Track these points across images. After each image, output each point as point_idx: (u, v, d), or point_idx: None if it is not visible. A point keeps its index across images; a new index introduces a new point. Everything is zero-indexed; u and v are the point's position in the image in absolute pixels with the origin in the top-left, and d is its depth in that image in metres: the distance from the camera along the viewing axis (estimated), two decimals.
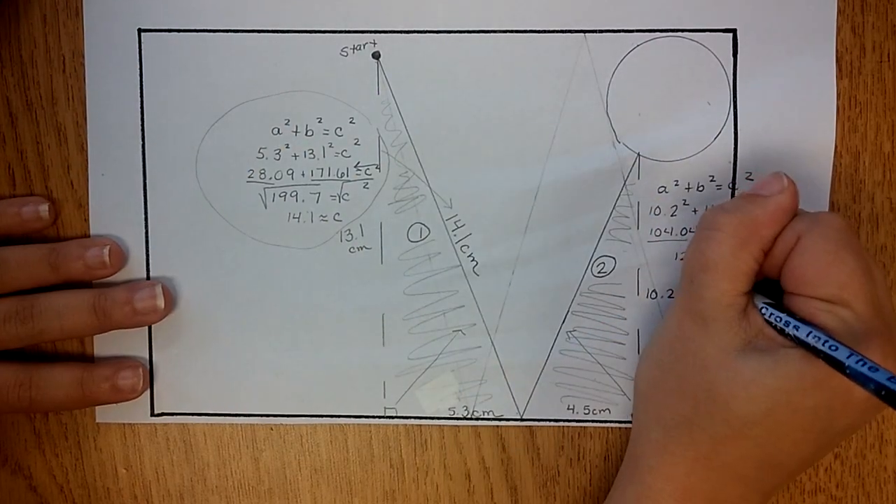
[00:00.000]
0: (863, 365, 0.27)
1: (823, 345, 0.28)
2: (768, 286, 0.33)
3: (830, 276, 0.30)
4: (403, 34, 0.37)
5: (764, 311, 0.31)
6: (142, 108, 0.37)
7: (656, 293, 0.37)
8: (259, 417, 0.38)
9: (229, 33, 0.37)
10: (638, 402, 0.35)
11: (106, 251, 0.37)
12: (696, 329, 0.32)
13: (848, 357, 0.27)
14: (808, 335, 0.29)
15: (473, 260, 0.37)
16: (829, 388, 0.29)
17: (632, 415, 0.36)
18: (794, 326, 0.30)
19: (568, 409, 0.38)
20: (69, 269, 0.36)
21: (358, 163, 0.37)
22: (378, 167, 0.37)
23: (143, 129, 0.37)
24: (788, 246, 0.31)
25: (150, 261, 0.38)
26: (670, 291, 0.37)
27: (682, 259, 0.37)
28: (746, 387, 0.30)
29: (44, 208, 0.37)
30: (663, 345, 0.33)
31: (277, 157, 0.37)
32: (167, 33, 0.37)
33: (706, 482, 0.32)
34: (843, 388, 0.29)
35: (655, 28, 0.36)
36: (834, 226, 0.31)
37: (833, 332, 0.30)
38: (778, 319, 0.30)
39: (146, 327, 0.38)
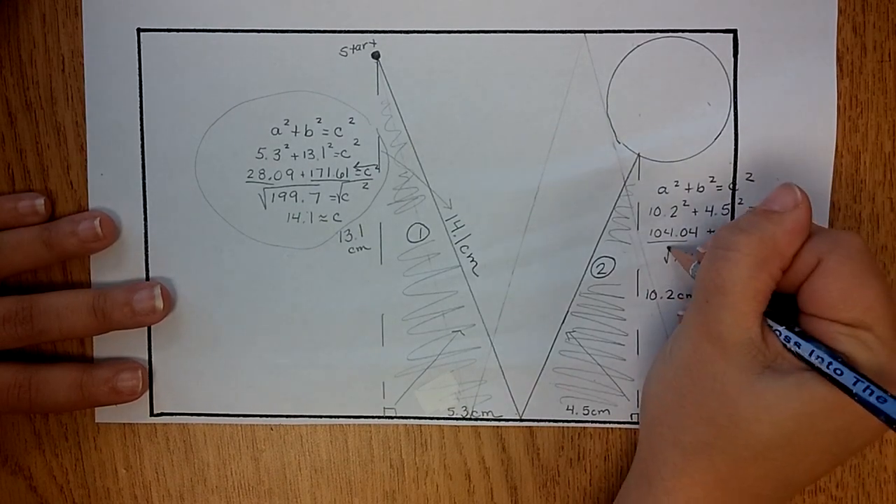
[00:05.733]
0: (870, 394, 0.27)
1: (837, 373, 0.28)
2: (776, 299, 0.32)
3: (855, 299, 0.30)
4: (403, 34, 0.36)
5: (780, 335, 0.31)
6: (141, 107, 0.37)
7: (656, 294, 0.37)
8: (259, 417, 0.38)
9: (228, 33, 0.37)
10: (649, 423, 0.34)
11: (97, 222, 0.36)
12: (715, 352, 0.31)
13: (854, 384, 0.28)
14: (828, 366, 0.29)
15: (473, 260, 0.37)
16: (850, 410, 0.29)
17: (638, 429, 0.36)
18: (818, 357, 0.29)
19: (567, 409, 0.38)
20: (63, 245, 0.36)
21: (357, 163, 0.37)
22: (378, 167, 0.37)
23: (142, 129, 0.37)
24: (809, 267, 0.31)
25: (149, 261, 0.38)
26: (670, 292, 0.37)
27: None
28: (769, 411, 0.30)
29: (40, 202, 0.37)
30: (677, 367, 0.32)
31: (277, 157, 0.37)
32: (166, 33, 0.37)
33: (723, 503, 0.32)
34: (863, 410, 0.29)
35: (655, 28, 0.36)
36: (856, 247, 0.30)
37: (855, 356, 0.30)
38: (797, 346, 0.30)
39: (145, 328, 0.38)
